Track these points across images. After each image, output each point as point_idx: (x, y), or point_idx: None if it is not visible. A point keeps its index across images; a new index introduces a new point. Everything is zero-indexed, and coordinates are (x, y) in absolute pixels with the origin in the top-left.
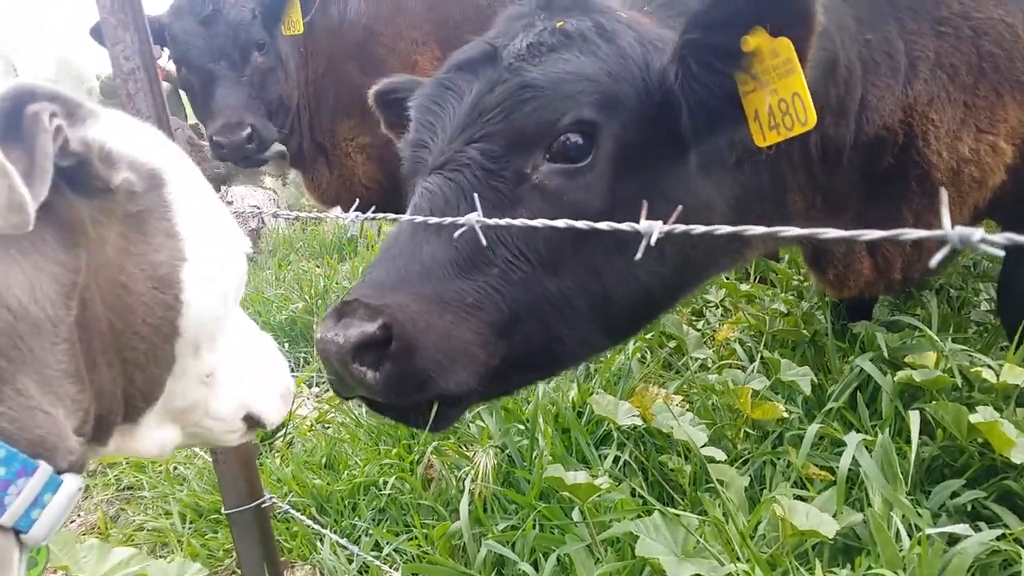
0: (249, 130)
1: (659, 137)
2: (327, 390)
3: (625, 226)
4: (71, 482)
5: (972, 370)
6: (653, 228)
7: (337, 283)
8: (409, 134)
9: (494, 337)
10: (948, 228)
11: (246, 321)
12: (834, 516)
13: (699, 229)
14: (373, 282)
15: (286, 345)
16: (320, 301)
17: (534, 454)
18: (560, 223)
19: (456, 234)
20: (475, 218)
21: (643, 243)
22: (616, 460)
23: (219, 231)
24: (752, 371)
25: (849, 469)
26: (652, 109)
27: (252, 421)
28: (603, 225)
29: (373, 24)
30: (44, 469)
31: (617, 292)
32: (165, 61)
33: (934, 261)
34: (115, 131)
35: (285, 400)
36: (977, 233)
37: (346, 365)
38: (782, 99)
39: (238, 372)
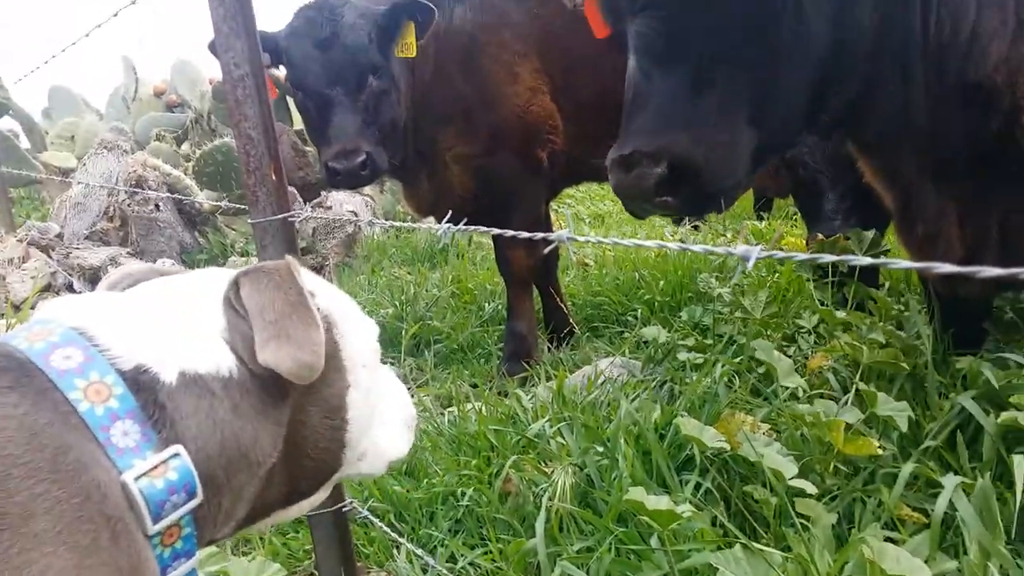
0: (364, 157)
1: None
2: (412, 396)
3: (720, 249)
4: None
5: None
6: (751, 253)
7: (427, 291)
8: None
9: (743, 130)
10: None
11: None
12: (926, 562)
13: (800, 256)
14: (637, 132)
15: None
16: (409, 307)
17: (613, 475)
18: (651, 243)
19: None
20: (565, 235)
21: (738, 269)
22: (698, 487)
23: (364, 340)
24: (846, 403)
25: (945, 513)
26: None
27: (390, 464)
28: (698, 248)
29: (477, 33)
30: (194, 561)
31: (793, 60)
32: (275, 71)
33: None
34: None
35: (411, 429)
36: None
37: (650, 202)
38: None
39: (382, 436)
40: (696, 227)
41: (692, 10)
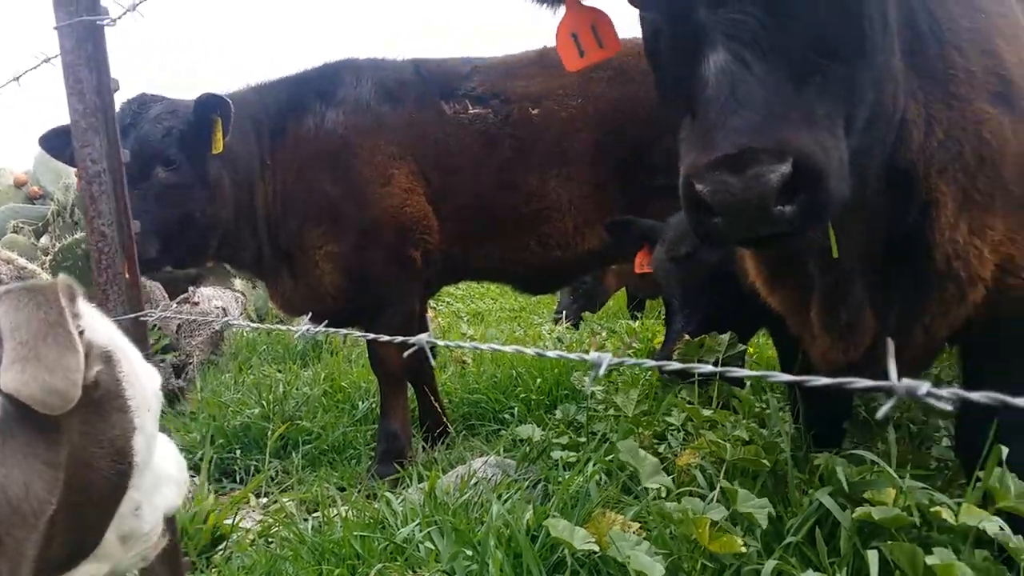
0: None
1: None
2: (274, 501)
3: (574, 356)
4: None
5: (931, 509)
6: (602, 360)
7: (297, 389)
8: None
9: (845, 135)
10: (895, 379)
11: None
12: None
13: (649, 363)
14: (742, 128)
15: (238, 452)
16: (278, 407)
17: None
18: (508, 348)
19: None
20: (425, 338)
21: (592, 374)
22: None
23: (149, 384)
24: (711, 500)
25: None
26: None
27: (167, 520)
28: (552, 354)
29: (351, 135)
30: None
31: (877, 61)
32: None
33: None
34: (88, 320)
35: (181, 484)
36: (923, 387)
37: (767, 210)
38: None
39: (155, 488)
40: (575, 326)
41: None
